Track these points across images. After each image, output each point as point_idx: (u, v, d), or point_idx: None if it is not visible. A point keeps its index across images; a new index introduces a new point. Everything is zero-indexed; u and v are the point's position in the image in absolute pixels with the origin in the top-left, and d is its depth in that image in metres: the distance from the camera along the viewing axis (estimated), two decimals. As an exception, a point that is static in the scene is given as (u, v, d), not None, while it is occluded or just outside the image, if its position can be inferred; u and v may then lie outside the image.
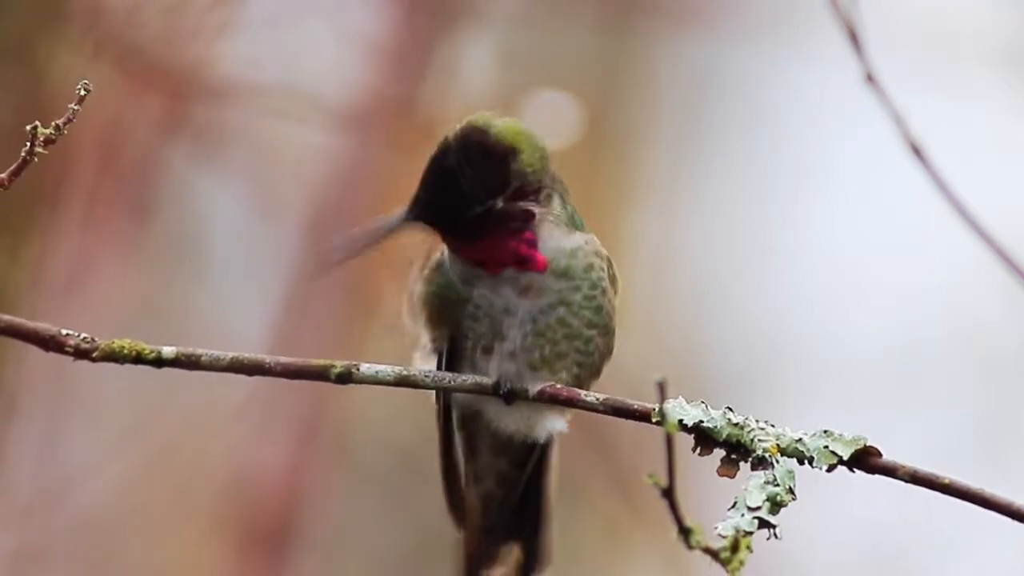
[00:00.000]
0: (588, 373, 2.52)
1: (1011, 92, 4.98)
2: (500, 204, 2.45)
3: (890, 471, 2.37)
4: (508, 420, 2.57)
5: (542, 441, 2.60)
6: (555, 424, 2.57)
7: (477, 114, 2.48)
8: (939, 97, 4.64)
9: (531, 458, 2.64)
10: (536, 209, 2.48)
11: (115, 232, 4.41)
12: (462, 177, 2.43)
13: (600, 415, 2.50)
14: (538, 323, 2.47)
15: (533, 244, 2.47)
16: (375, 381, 2.54)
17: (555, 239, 2.49)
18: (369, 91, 4.49)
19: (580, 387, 2.51)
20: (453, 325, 2.50)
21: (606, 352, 2.53)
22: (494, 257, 2.47)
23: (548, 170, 2.50)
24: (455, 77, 4.75)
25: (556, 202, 2.50)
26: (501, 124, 2.46)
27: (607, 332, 2.52)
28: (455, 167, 2.43)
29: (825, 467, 2.37)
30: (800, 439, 2.38)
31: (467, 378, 2.51)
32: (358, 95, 4.50)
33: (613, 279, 2.54)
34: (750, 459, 2.38)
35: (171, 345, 2.50)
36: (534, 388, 2.49)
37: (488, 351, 2.49)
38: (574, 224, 2.51)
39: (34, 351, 2.48)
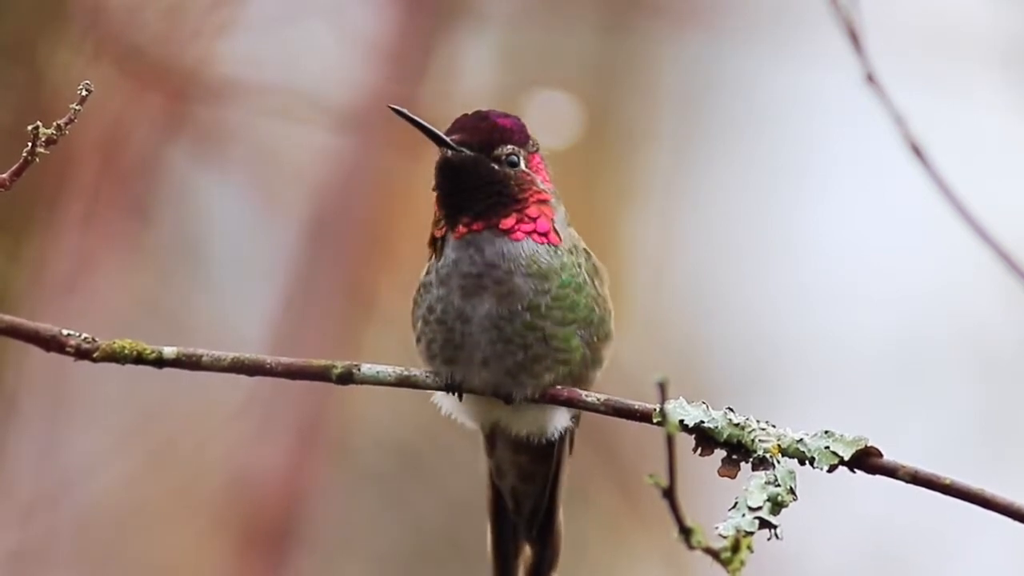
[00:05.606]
0: (579, 367, 2.52)
1: (1011, 92, 4.98)
2: (519, 164, 2.53)
3: (891, 471, 2.37)
4: (519, 424, 2.60)
5: (556, 438, 2.61)
6: (562, 420, 2.60)
7: None
8: (939, 97, 4.64)
9: (552, 456, 2.66)
10: (548, 191, 2.54)
11: (115, 232, 4.41)
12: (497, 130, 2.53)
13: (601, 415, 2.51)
14: (503, 330, 2.48)
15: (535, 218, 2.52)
16: (375, 381, 2.54)
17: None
18: (369, 91, 4.49)
19: (578, 381, 2.53)
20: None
21: (601, 339, 2.54)
22: (494, 215, 2.50)
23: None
24: (455, 77, 4.75)
25: (560, 205, 2.56)
26: None
27: (589, 323, 2.52)
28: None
29: (826, 467, 2.37)
30: (801, 439, 2.38)
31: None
32: (358, 95, 4.50)
33: (595, 270, 2.56)
34: (751, 459, 2.38)
35: (172, 345, 2.50)
36: (520, 393, 2.51)
37: (450, 361, 2.51)
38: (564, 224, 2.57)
39: (34, 351, 2.48)
